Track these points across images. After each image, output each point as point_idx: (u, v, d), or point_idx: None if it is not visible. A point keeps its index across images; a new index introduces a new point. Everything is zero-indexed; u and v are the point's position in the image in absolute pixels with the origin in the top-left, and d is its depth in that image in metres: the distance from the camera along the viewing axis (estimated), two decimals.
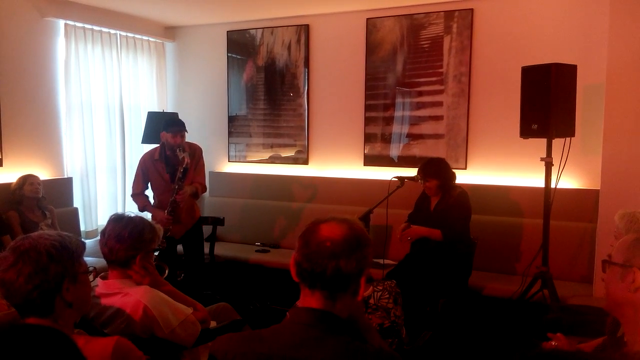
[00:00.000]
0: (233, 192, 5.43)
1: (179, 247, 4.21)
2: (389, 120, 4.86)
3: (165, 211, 3.81)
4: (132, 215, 2.17)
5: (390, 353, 1.34)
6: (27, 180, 4.03)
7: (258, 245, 5.02)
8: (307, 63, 5.16)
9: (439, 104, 4.64)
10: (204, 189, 4.11)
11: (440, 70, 4.60)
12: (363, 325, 1.50)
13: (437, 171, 3.65)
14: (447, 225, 3.57)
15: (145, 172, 4.00)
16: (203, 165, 4.12)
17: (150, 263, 2.18)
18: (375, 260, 3.88)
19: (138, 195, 4.05)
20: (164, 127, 3.87)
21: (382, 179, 4.24)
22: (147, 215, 5.30)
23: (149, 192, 4.15)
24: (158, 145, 4.01)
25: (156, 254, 2.27)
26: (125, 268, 2.10)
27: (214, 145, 5.61)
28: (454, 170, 3.79)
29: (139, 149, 5.37)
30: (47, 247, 1.45)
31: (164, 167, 3.93)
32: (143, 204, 4.02)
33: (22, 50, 4.38)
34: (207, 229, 4.63)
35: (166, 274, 2.42)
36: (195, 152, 4.03)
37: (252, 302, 4.28)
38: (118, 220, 2.12)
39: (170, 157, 3.90)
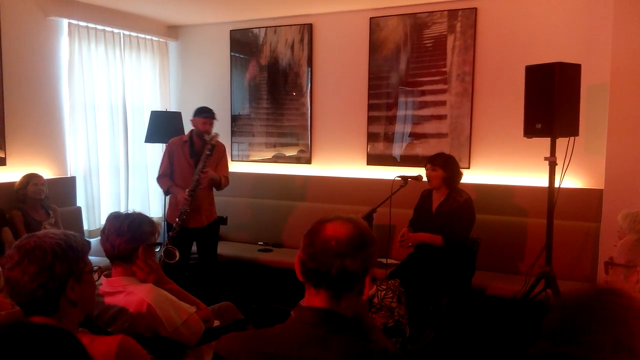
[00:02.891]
0: (236, 191, 5.42)
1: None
2: (392, 120, 4.85)
3: (186, 190, 3.86)
4: (130, 212, 2.19)
5: (395, 352, 1.33)
6: (31, 181, 4.03)
7: (261, 245, 5.02)
8: (310, 62, 5.16)
9: (442, 103, 4.63)
10: (227, 182, 4.20)
11: (444, 69, 4.59)
12: (367, 324, 1.49)
13: (445, 162, 3.64)
14: (448, 228, 3.56)
15: (171, 155, 4.09)
16: (227, 161, 4.28)
17: (153, 260, 2.19)
18: (378, 259, 3.87)
19: (163, 177, 4.11)
20: (195, 112, 4.03)
21: (385, 178, 4.23)
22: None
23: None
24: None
25: (161, 249, 2.28)
26: (129, 263, 2.11)
27: None
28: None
29: (142, 148, 5.38)
30: (52, 245, 1.45)
31: (190, 152, 4.04)
32: (167, 186, 4.10)
33: (26, 50, 4.38)
34: None
35: (177, 258, 2.44)
36: (220, 148, 4.14)
37: (254, 302, 4.28)
38: (116, 217, 2.15)
39: (197, 144, 4.01)
